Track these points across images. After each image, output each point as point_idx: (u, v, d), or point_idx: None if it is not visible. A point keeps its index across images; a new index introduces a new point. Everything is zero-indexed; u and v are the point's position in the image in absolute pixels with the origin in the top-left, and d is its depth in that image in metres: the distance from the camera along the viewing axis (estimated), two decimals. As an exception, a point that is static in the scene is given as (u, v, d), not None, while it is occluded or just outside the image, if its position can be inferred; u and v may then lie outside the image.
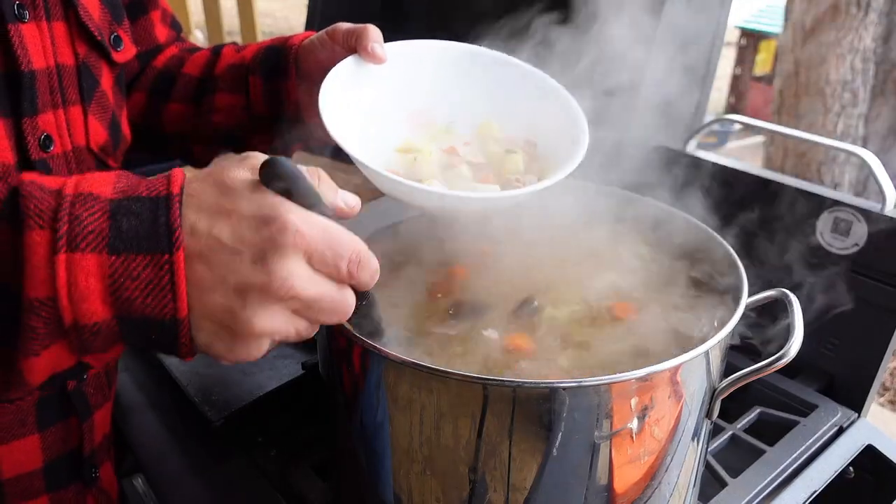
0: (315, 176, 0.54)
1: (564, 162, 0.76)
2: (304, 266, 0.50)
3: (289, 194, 0.50)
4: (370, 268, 0.54)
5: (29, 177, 0.51)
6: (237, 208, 0.49)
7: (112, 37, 0.82)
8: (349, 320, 0.58)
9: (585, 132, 0.78)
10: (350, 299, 0.55)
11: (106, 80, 0.82)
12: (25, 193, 0.49)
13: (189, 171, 0.54)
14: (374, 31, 0.80)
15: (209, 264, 0.49)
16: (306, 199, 0.51)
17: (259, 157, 0.52)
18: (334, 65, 0.79)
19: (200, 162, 1.03)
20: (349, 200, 0.57)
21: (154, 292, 0.49)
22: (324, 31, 0.84)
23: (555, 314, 0.75)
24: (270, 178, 0.50)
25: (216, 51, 0.99)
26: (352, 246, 0.52)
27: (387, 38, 0.82)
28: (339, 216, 0.55)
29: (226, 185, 0.50)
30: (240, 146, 0.98)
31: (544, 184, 0.73)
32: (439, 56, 0.85)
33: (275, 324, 0.51)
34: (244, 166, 0.52)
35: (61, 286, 0.47)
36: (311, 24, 1.72)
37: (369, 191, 0.89)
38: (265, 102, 0.90)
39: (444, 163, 0.80)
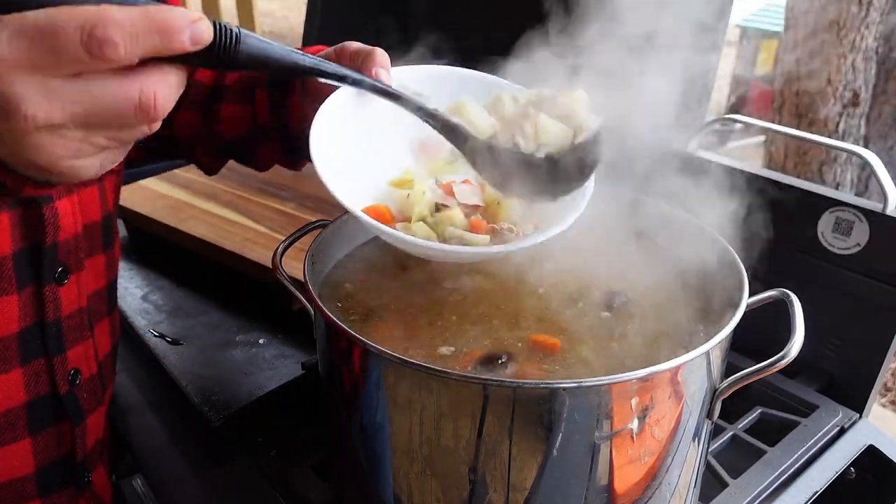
0: None
1: (564, 213, 0.72)
2: (30, 81, 0.41)
3: None
4: (121, 35, 0.41)
5: None
6: None
7: None
8: None
9: (591, 183, 0.76)
10: (146, 80, 0.44)
11: None
12: None
13: None
14: (381, 57, 0.77)
15: None
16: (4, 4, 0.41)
17: None
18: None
19: (209, 168, 1.03)
20: None
21: None
22: (332, 48, 0.83)
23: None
24: None
25: None
26: (73, 23, 0.40)
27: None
28: None
29: None
30: (246, 157, 0.98)
31: (532, 240, 0.70)
32: (447, 83, 0.81)
33: (59, 143, 0.43)
34: None
35: None
36: (310, 24, 1.72)
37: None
38: (270, 115, 0.90)
39: (436, 202, 0.77)
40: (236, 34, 0.47)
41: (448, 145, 0.80)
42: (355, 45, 0.81)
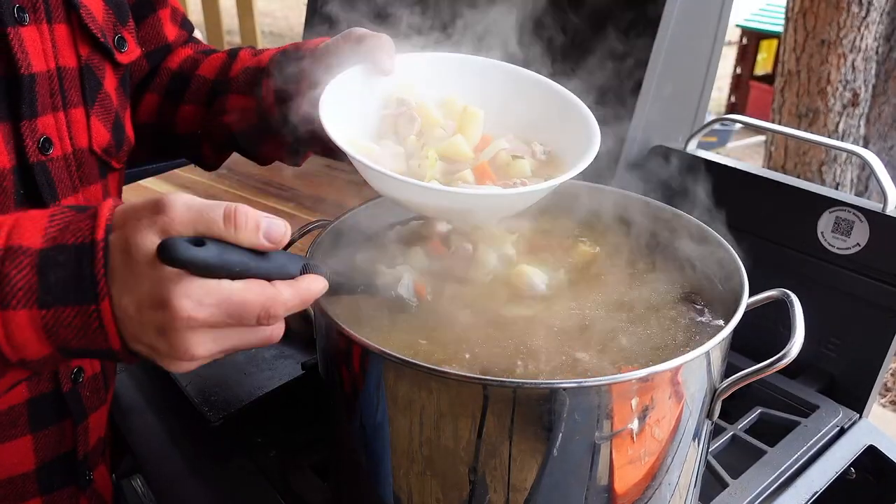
0: (230, 223, 0.53)
1: (572, 165, 0.75)
2: (205, 334, 0.53)
3: (189, 269, 0.51)
4: (284, 312, 0.56)
5: None
6: (138, 285, 0.52)
7: (116, 38, 0.82)
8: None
9: (597, 136, 0.77)
10: (275, 330, 0.57)
11: (109, 82, 0.81)
12: None
13: (118, 207, 0.55)
14: (386, 42, 0.80)
15: (125, 325, 0.54)
16: (207, 271, 0.52)
17: (169, 218, 0.52)
18: (345, 69, 0.79)
19: (209, 163, 1.03)
20: (273, 235, 0.55)
21: (87, 335, 0.54)
22: (340, 34, 0.84)
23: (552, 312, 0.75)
24: (165, 261, 0.50)
25: (233, 54, 0.98)
26: (258, 304, 0.53)
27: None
28: (267, 250, 0.55)
29: (130, 255, 0.52)
30: (250, 151, 0.98)
31: (547, 184, 0.72)
32: (449, 68, 0.84)
33: (199, 362, 0.55)
34: (154, 228, 0.52)
35: (0, 338, 0.53)
36: (310, 24, 1.72)
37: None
38: (276, 105, 0.90)
39: (447, 169, 0.79)
40: (329, 277, 0.62)
41: (452, 125, 0.84)
42: (360, 31, 0.82)
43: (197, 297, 0.51)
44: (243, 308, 0.53)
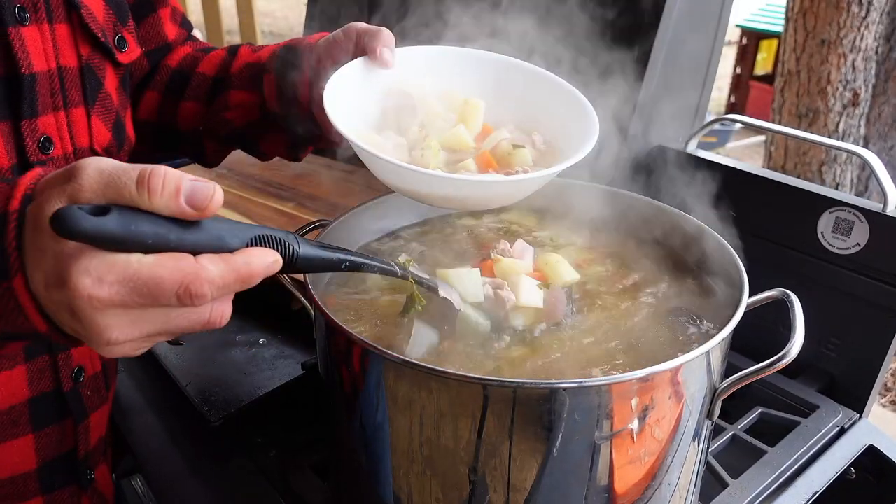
0: (143, 187, 0.46)
1: (572, 154, 0.75)
2: (119, 317, 0.47)
3: (90, 241, 0.45)
4: (213, 291, 0.47)
5: None
6: (44, 260, 0.47)
7: (116, 38, 0.82)
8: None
9: (596, 125, 0.78)
10: (214, 312, 0.50)
11: (110, 82, 0.81)
12: None
13: (43, 177, 0.50)
14: (386, 36, 0.81)
15: (45, 305, 0.49)
16: (114, 244, 0.45)
17: (78, 185, 0.46)
18: (346, 63, 0.79)
19: (211, 160, 1.03)
20: (198, 200, 0.47)
21: (5, 314, 0.50)
22: (340, 29, 0.85)
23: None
24: (59, 233, 0.44)
25: (232, 50, 0.99)
26: (173, 281, 0.46)
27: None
28: (193, 219, 0.48)
29: (38, 223, 0.47)
30: (252, 146, 0.98)
31: (550, 170, 0.72)
32: (449, 61, 0.85)
33: (128, 346, 0.49)
34: (62, 197, 0.46)
35: None
36: (310, 24, 1.72)
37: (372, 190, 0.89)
38: (278, 100, 0.90)
39: (450, 159, 0.80)
40: (296, 251, 0.54)
41: (452, 118, 0.84)
42: (361, 25, 0.83)
43: (98, 273, 0.45)
44: (155, 286, 0.46)
